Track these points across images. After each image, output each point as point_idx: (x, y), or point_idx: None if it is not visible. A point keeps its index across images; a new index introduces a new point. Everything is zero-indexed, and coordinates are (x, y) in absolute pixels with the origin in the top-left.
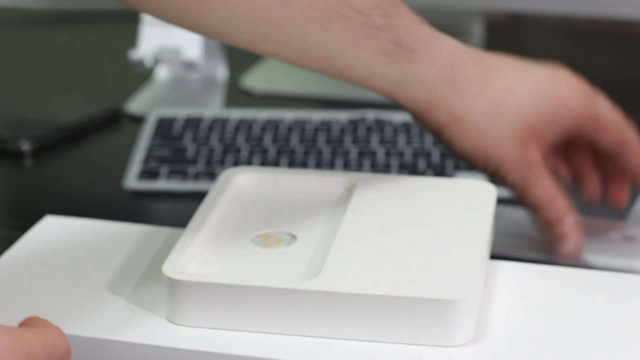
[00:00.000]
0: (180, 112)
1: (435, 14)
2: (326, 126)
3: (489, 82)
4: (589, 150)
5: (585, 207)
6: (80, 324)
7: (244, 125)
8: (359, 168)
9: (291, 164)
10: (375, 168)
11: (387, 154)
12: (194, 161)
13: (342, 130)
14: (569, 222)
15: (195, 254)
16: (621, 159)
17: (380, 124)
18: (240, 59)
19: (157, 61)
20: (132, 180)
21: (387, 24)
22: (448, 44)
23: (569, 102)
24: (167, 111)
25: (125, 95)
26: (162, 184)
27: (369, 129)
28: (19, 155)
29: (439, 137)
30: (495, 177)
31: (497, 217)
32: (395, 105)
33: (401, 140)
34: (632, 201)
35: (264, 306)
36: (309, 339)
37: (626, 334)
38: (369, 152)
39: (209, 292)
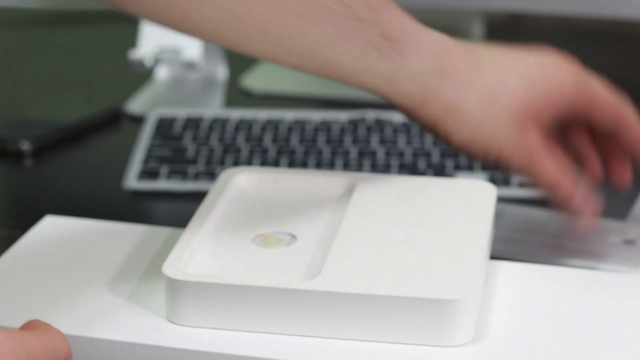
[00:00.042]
0: (180, 112)
1: (435, 14)
2: (326, 126)
3: (479, 72)
4: (587, 132)
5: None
6: (80, 324)
7: (244, 125)
8: (359, 168)
9: (291, 164)
10: (375, 168)
11: (387, 154)
12: (194, 161)
13: (342, 130)
14: (579, 200)
15: (195, 254)
16: (619, 136)
17: (380, 124)
18: (240, 59)
19: (157, 61)
20: (132, 180)
21: (374, 16)
22: (435, 37)
23: (561, 82)
24: (167, 111)
25: (125, 95)
26: (162, 184)
27: (369, 129)
28: (19, 155)
29: (435, 132)
30: (500, 165)
31: (497, 217)
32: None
33: (401, 140)
34: (632, 201)
35: (264, 306)
36: (309, 339)
37: (626, 333)
38: (369, 152)
39: (209, 292)
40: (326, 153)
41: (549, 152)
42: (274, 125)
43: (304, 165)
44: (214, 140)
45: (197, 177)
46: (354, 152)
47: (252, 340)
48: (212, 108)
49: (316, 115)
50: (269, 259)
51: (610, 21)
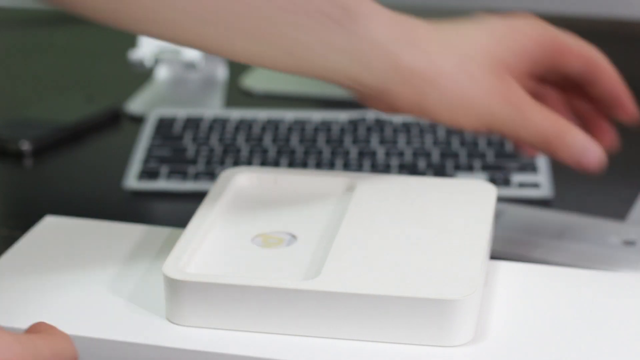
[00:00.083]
0: (180, 112)
1: (436, 14)
2: (326, 126)
3: (448, 38)
4: (566, 101)
5: (583, 207)
6: (80, 324)
7: (244, 125)
8: (359, 168)
9: (291, 164)
10: (375, 168)
11: (387, 154)
12: (194, 161)
13: (342, 130)
14: (580, 134)
15: (195, 254)
16: (593, 85)
17: (380, 124)
18: None
19: (157, 61)
20: (132, 180)
21: None
22: (393, 12)
23: (530, 33)
24: (167, 111)
25: (125, 95)
26: (162, 184)
27: (369, 129)
28: (19, 155)
29: (419, 111)
30: (494, 129)
31: (497, 217)
32: None
33: (401, 140)
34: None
35: (264, 306)
36: (309, 339)
37: (626, 333)
38: (369, 152)
39: (209, 292)
40: (326, 153)
41: (535, 101)
42: (274, 125)
43: (304, 165)
44: (214, 140)
45: (197, 177)
46: (354, 152)
47: (252, 340)
48: (212, 108)
49: (316, 115)
50: (269, 259)
51: (610, 21)
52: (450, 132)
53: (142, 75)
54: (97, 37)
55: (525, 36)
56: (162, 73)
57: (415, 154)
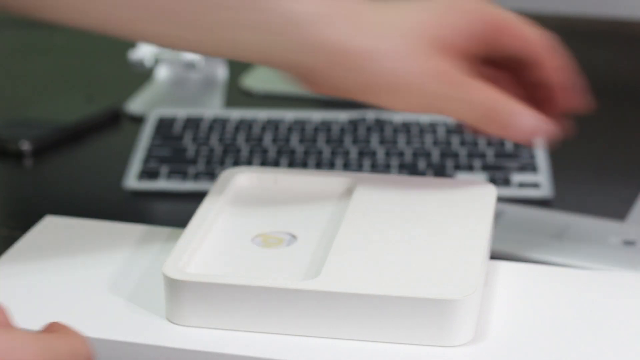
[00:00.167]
0: (180, 112)
1: None
2: (326, 126)
3: (385, 15)
4: (518, 82)
5: (583, 207)
6: (80, 324)
7: (244, 125)
8: (359, 168)
9: (291, 164)
10: (375, 168)
11: (387, 154)
12: (194, 161)
13: (342, 130)
14: (522, 111)
15: (195, 254)
16: (532, 69)
17: (380, 124)
18: None
19: (157, 61)
20: (132, 180)
21: None
22: None
23: (470, 11)
24: (167, 111)
25: (125, 95)
26: (162, 184)
27: (369, 129)
28: (19, 155)
29: (354, 94)
30: (433, 111)
31: (498, 217)
32: None
33: (401, 140)
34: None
35: (264, 306)
36: (309, 339)
37: (626, 333)
38: (369, 152)
39: (209, 292)
40: (326, 153)
41: (477, 81)
42: (274, 125)
43: (304, 165)
44: (214, 140)
45: (197, 177)
46: (354, 152)
47: (252, 340)
48: (212, 108)
49: (316, 115)
50: (269, 259)
51: (610, 21)
52: (450, 132)
53: (142, 75)
54: (97, 37)
55: (465, 14)
56: (162, 73)
57: (415, 154)
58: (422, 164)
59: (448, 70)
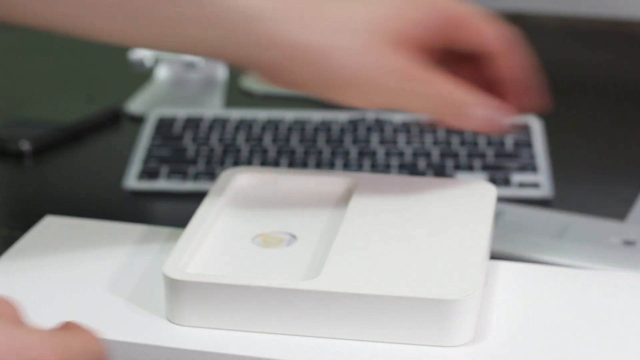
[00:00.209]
0: (180, 112)
1: None
2: (326, 126)
3: (341, 9)
4: (480, 75)
5: (583, 207)
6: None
7: (244, 125)
8: (359, 168)
9: (291, 164)
10: (375, 168)
11: (387, 154)
12: (194, 161)
13: (342, 130)
14: (479, 104)
15: (195, 254)
16: (489, 65)
17: (380, 124)
18: None
19: (157, 61)
20: (132, 180)
21: None
22: None
23: (428, 4)
24: (167, 111)
25: (125, 95)
26: (162, 184)
27: (369, 129)
28: (19, 155)
29: (310, 89)
30: (391, 107)
31: (497, 217)
32: None
33: (401, 140)
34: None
35: (264, 306)
36: (309, 339)
37: (626, 333)
38: (369, 152)
39: (209, 292)
40: (326, 153)
41: (435, 74)
42: (274, 125)
43: (304, 165)
44: (214, 140)
45: (197, 177)
46: (354, 152)
47: (252, 340)
48: (212, 108)
49: (316, 115)
50: (269, 259)
51: (610, 21)
52: (450, 132)
53: (142, 75)
54: None
55: (422, 7)
56: (162, 73)
57: (415, 154)
58: (422, 164)
59: (403, 65)
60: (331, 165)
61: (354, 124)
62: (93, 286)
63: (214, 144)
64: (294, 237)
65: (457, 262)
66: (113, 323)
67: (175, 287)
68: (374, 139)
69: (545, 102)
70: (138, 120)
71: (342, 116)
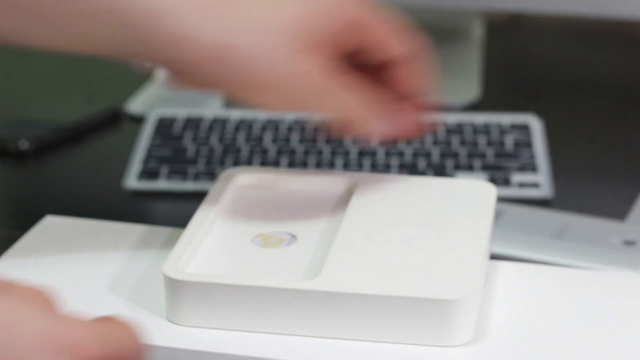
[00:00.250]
0: (180, 112)
1: (436, 14)
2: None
3: (253, 10)
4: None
5: (583, 207)
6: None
7: (244, 125)
8: (359, 168)
9: (291, 164)
10: (375, 168)
11: (387, 154)
12: (194, 161)
13: None
14: (372, 121)
15: (195, 254)
16: (390, 76)
17: None
18: None
19: None
20: (132, 180)
21: None
22: None
23: (340, 11)
24: (167, 111)
25: (125, 95)
26: (162, 184)
27: None
28: (19, 155)
29: (231, 90)
30: (295, 110)
31: (497, 217)
32: None
33: (401, 140)
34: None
35: (264, 306)
36: (309, 339)
37: (626, 333)
38: (369, 152)
39: (209, 292)
40: (326, 153)
41: (340, 83)
42: (274, 125)
43: (304, 165)
44: (214, 140)
45: (197, 177)
46: (354, 152)
47: (252, 340)
48: (212, 108)
49: (316, 116)
50: (269, 259)
51: (610, 21)
52: (450, 132)
53: (142, 75)
54: None
55: (333, 12)
56: (162, 73)
57: (415, 154)
58: (422, 164)
59: (311, 70)
60: (331, 165)
61: None
62: (93, 286)
63: (214, 144)
64: (294, 237)
65: (457, 262)
66: None
67: (175, 287)
68: None
69: (433, 125)
70: (138, 120)
71: None
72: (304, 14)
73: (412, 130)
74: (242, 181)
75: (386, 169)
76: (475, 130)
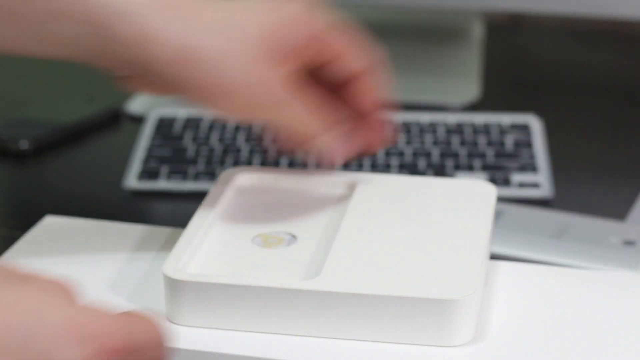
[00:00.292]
0: (180, 112)
1: (436, 14)
2: None
3: (217, 16)
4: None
5: (583, 207)
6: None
7: (244, 125)
8: (359, 168)
9: (291, 164)
10: (375, 168)
11: (387, 154)
12: (194, 161)
13: None
14: (324, 141)
15: (195, 254)
16: (348, 92)
17: None
18: None
19: None
20: (132, 180)
21: None
22: None
23: (302, 25)
24: (167, 111)
25: (125, 95)
26: (162, 184)
27: None
28: (19, 155)
29: (192, 95)
30: (253, 120)
31: (497, 217)
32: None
33: (401, 140)
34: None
35: (264, 306)
36: (309, 339)
37: (626, 333)
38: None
39: (209, 292)
40: None
41: (296, 98)
42: None
43: (303, 165)
44: (214, 140)
45: (197, 177)
46: None
47: (252, 340)
48: None
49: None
50: (269, 259)
51: (610, 21)
52: (450, 132)
53: None
54: None
55: (300, 26)
56: None
57: (415, 154)
58: (422, 164)
59: (271, 81)
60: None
61: None
62: (93, 286)
63: (214, 144)
64: (294, 237)
65: (457, 262)
66: None
67: (175, 287)
68: None
69: (391, 137)
70: (138, 120)
71: None
72: (270, 24)
73: (369, 147)
74: (242, 181)
75: (386, 169)
76: (475, 130)
